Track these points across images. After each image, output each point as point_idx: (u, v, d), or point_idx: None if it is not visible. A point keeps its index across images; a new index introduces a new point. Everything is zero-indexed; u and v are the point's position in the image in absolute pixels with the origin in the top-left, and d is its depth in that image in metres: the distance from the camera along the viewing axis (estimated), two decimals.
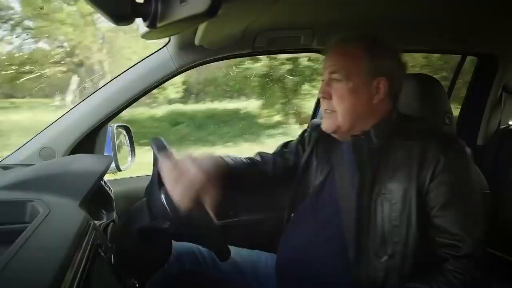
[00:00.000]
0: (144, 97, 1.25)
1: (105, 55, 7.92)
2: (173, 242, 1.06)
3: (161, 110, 7.63)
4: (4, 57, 7.97)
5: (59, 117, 1.19)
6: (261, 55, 1.40)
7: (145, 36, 0.56)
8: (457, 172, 0.86)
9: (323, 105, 0.97)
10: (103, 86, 1.21)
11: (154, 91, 1.38)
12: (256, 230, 1.48)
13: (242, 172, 1.03)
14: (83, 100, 1.20)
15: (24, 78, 7.72)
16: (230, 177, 0.96)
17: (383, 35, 0.94)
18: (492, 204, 1.11)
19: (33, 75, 7.67)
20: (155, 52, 1.22)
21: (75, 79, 7.87)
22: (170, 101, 7.75)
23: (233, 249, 1.11)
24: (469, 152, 0.91)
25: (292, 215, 1.08)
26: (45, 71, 7.82)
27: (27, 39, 7.93)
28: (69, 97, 7.82)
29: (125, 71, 1.21)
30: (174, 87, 7.52)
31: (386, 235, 0.87)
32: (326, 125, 0.97)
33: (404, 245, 0.86)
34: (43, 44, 8.44)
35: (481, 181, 1.11)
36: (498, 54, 1.69)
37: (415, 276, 0.86)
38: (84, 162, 0.90)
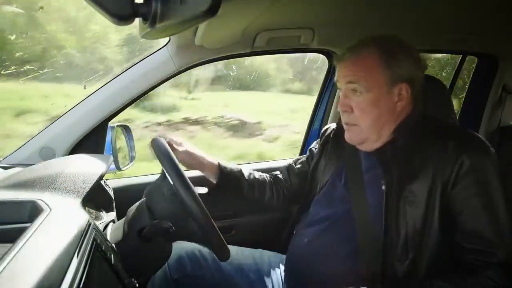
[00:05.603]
0: None
1: None
2: (175, 243, 1.06)
3: None
4: None
5: (59, 116, 1.19)
6: (261, 54, 1.40)
7: (145, 36, 0.56)
8: (484, 174, 0.81)
9: (343, 118, 0.93)
10: (103, 85, 1.21)
11: None
12: (259, 229, 1.48)
13: (255, 189, 1.15)
14: (83, 100, 1.20)
15: None
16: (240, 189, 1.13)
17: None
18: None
19: None
20: (155, 52, 1.22)
21: None
22: None
23: (235, 249, 1.12)
24: (494, 151, 0.85)
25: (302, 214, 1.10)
26: None
27: None
28: None
29: (125, 70, 1.21)
30: None
31: (408, 240, 0.83)
32: (350, 137, 0.94)
33: (426, 250, 0.82)
34: None
35: None
36: (498, 54, 1.69)
37: (441, 274, 0.82)
38: (84, 162, 0.90)
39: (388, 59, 0.87)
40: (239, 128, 6.01)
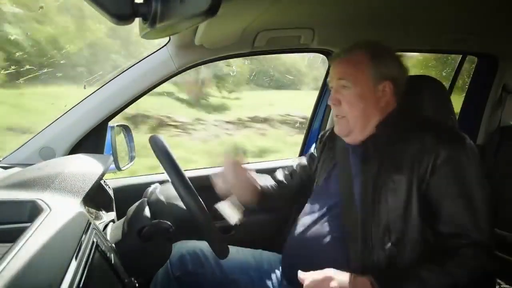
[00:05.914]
0: None
1: None
2: (177, 243, 1.06)
3: None
4: None
5: (59, 116, 1.19)
6: (261, 54, 1.40)
7: (145, 35, 0.56)
8: (459, 164, 0.87)
9: (334, 111, 1.03)
10: (103, 85, 1.21)
11: None
12: (258, 229, 1.48)
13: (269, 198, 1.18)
14: (83, 100, 1.20)
15: None
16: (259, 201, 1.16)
17: (383, 35, 0.94)
18: (492, 203, 1.11)
19: None
20: (155, 52, 1.22)
21: None
22: None
23: (235, 249, 1.13)
24: (471, 143, 0.91)
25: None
26: None
27: None
28: None
29: (125, 70, 1.21)
30: None
31: (390, 224, 0.89)
32: (339, 129, 1.03)
33: (407, 234, 0.88)
34: None
35: None
36: (498, 54, 1.69)
37: (425, 260, 0.87)
38: (84, 162, 0.90)
39: (376, 59, 0.96)
40: (305, 126, 6.20)
